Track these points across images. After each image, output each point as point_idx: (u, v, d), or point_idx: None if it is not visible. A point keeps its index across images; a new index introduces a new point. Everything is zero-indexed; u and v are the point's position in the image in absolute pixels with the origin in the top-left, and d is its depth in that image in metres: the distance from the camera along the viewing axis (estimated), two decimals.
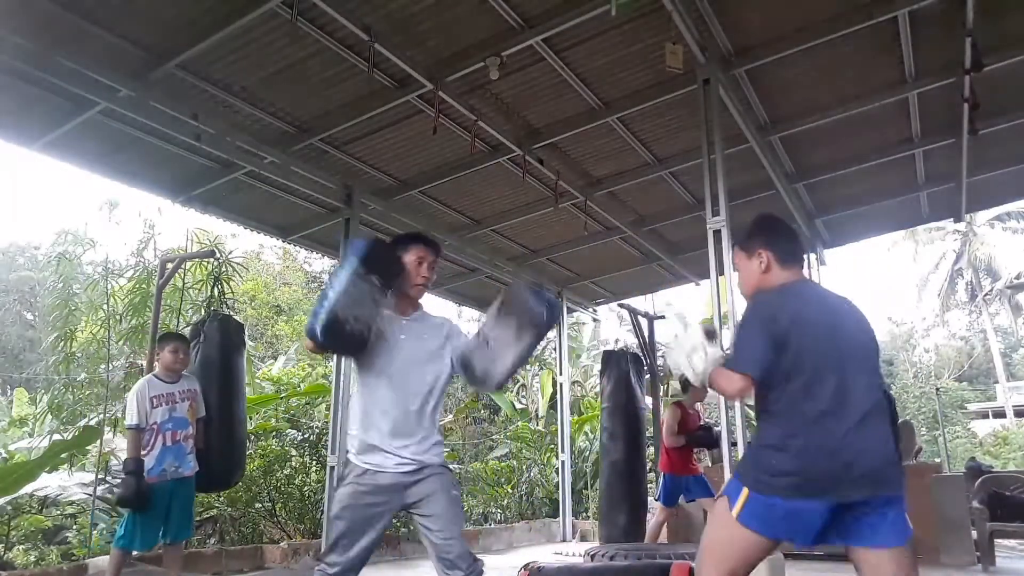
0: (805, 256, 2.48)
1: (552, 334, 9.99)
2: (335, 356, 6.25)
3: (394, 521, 8.60)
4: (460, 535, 2.75)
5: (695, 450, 6.64)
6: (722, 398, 4.34)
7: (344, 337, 2.60)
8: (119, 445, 7.30)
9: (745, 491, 2.22)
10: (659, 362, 9.19)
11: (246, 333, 6.13)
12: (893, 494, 2.20)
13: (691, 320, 2.52)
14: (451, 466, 11.99)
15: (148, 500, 4.45)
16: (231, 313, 6.20)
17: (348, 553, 2.68)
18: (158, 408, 4.61)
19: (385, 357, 2.78)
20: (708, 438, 6.45)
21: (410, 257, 2.92)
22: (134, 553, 5.26)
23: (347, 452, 2.83)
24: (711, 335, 2.42)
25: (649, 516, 7.09)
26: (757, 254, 2.47)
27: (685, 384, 6.68)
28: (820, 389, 2.20)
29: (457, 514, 2.80)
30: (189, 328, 5.97)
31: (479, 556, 2.84)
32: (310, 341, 2.61)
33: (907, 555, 2.21)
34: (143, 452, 4.52)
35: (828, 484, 2.15)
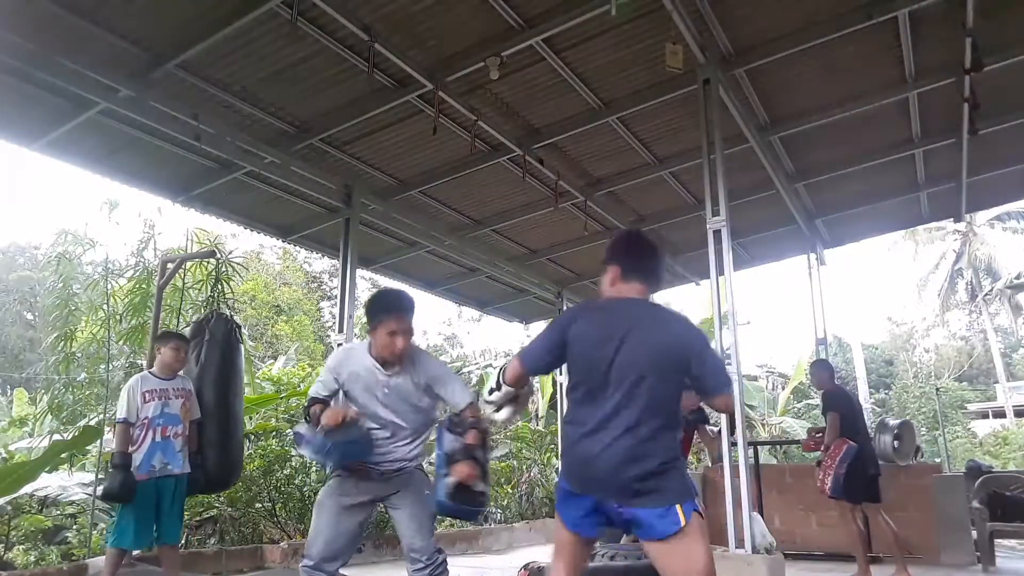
0: (653, 276, 2.58)
1: None
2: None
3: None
4: (426, 530, 3.08)
5: (690, 452, 6.67)
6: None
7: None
8: None
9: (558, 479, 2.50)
10: None
11: (246, 333, 6.12)
12: (625, 504, 2.30)
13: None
14: None
15: (134, 494, 4.39)
16: (231, 313, 6.18)
17: (330, 546, 2.97)
18: (150, 403, 4.58)
19: (371, 409, 3.07)
20: (703, 416, 6.50)
21: (384, 331, 3.05)
22: (134, 553, 5.26)
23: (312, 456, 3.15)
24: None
25: None
26: (608, 268, 2.58)
27: None
28: (582, 397, 2.40)
29: (423, 511, 3.09)
30: (189, 327, 5.96)
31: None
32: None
33: (672, 545, 2.30)
34: (133, 448, 4.49)
35: (575, 475, 2.39)
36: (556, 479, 2.56)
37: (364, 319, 3.39)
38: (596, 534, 2.44)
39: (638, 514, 2.29)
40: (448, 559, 3.19)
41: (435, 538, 3.14)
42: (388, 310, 3.10)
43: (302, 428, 3.06)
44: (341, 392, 3.17)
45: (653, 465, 2.29)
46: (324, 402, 3.11)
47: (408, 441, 3.17)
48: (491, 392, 2.66)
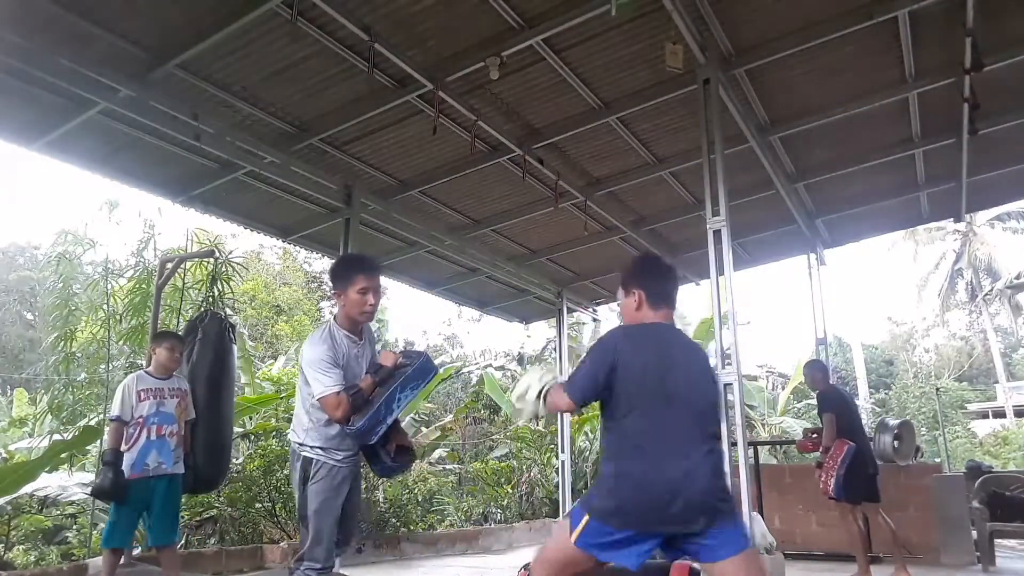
0: (675, 301, 2.69)
1: (552, 334, 10.01)
2: None
3: (394, 521, 8.62)
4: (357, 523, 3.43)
5: None
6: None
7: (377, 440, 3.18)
8: None
9: (586, 517, 2.36)
10: None
11: (246, 333, 6.12)
12: (714, 526, 2.30)
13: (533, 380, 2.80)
14: (451, 466, 11.92)
15: (125, 492, 4.39)
16: (229, 313, 6.18)
17: (331, 545, 3.03)
18: (145, 402, 4.59)
19: (348, 375, 3.17)
20: None
21: (355, 289, 3.20)
22: (134, 553, 5.27)
23: (307, 450, 3.14)
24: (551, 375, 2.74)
25: None
26: (632, 292, 2.64)
27: None
28: (643, 426, 2.36)
29: (359, 503, 3.47)
30: (183, 327, 5.96)
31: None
32: (354, 438, 3.16)
33: (749, 558, 2.34)
34: (126, 446, 4.50)
35: (645, 516, 2.29)
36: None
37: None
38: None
39: (724, 532, 2.29)
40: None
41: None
42: (357, 268, 3.27)
43: (362, 420, 3.08)
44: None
45: (726, 482, 2.45)
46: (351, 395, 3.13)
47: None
48: (520, 398, 2.74)
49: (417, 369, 3.22)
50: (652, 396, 2.38)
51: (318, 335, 3.23)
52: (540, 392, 2.63)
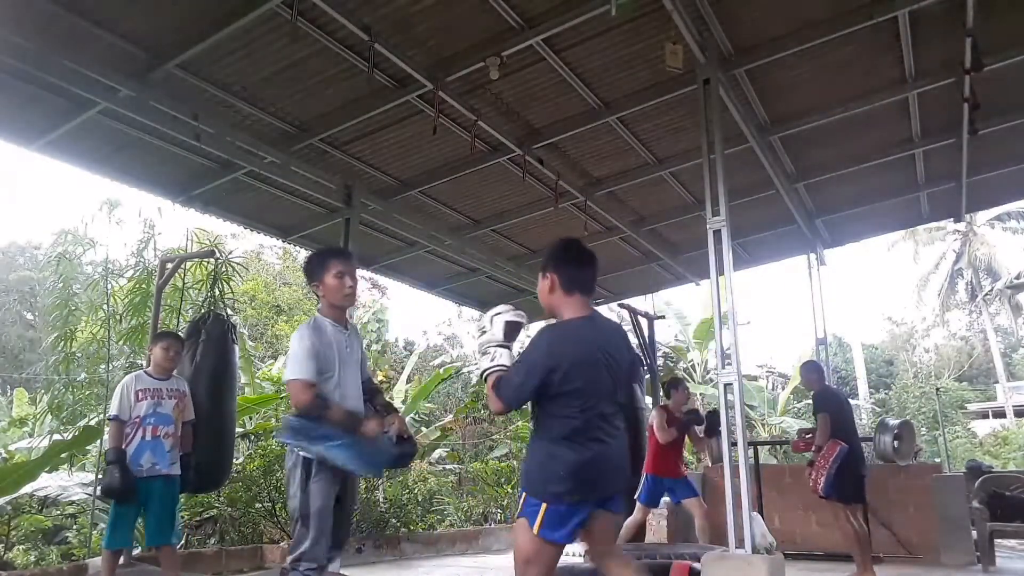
0: (593, 288, 2.83)
1: None
2: None
3: (394, 521, 8.62)
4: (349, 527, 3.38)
5: (683, 454, 6.76)
6: (719, 402, 4.59)
7: None
8: None
9: (544, 506, 2.52)
10: (659, 362, 9.20)
11: (246, 333, 6.13)
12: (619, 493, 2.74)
13: (500, 318, 2.80)
14: (451, 466, 11.89)
15: (134, 489, 4.39)
16: (230, 313, 6.18)
17: (330, 540, 3.01)
18: (143, 402, 4.58)
19: (335, 365, 3.16)
20: (697, 418, 6.70)
21: (330, 275, 3.23)
22: (134, 553, 5.27)
23: (298, 446, 3.05)
24: (511, 333, 2.73)
25: (649, 517, 7.12)
26: (546, 276, 2.77)
27: (669, 389, 6.87)
28: (585, 413, 2.56)
29: (353, 507, 3.36)
30: (185, 327, 5.96)
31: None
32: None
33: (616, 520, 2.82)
34: (123, 445, 4.50)
35: (591, 488, 2.57)
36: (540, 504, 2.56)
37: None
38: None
39: (619, 499, 2.71)
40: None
41: None
42: (328, 255, 3.35)
43: (305, 422, 3.03)
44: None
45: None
46: (322, 394, 3.09)
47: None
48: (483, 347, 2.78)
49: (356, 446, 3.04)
50: (597, 392, 2.59)
51: (303, 328, 3.23)
52: (483, 374, 2.69)
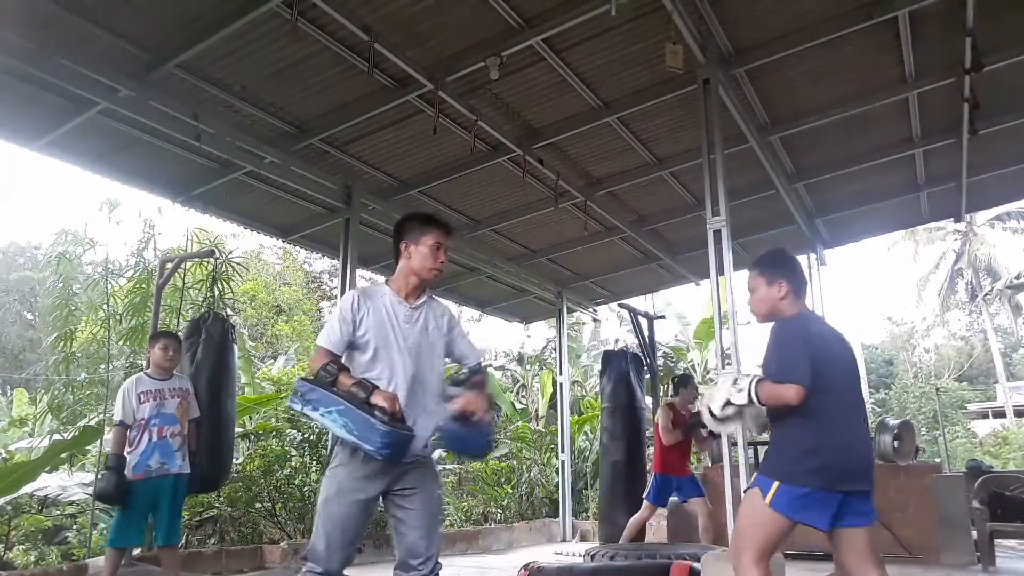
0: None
1: (552, 334, 10.03)
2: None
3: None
4: (435, 534, 2.68)
5: (691, 452, 6.71)
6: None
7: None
8: None
9: (776, 483, 2.62)
10: (659, 362, 9.20)
11: (246, 333, 6.13)
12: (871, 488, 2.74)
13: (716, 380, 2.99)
14: (451, 466, 11.82)
15: (127, 496, 4.39)
16: (230, 313, 6.18)
17: (346, 551, 2.59)
18: (146, 404, 4.58)
19: (392, 344, 2.68)
20: (702, 420, 6.56)
21: (428, 242, 2.78)
22: (134, 553, 5.26)
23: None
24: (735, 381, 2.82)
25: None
26: (778, 283, 2.87)
27: (678, 386, 6.81)
28: (842, 401, 2.70)
29: (437, 512, 2.75)
30: (185, 327, 5.96)
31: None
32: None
33: (873, 533, 2.76)
34: (129, 449, 4.49)
35: (847, 477, 2.63)
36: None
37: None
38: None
39: (871, 499, 2.69)
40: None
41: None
42: (435, 224, 2.84)
43: (312, 385, 2.56)
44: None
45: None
46: (339, 362, 2.62)
47: (432, 418, 2.70)
48: (725, 406, 2.77)
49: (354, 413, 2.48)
50: (844, 377, 2.76)
51: (349, 292, 2.85)
52: (751, 385, 2.70)
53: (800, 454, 2.63)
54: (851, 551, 2.67)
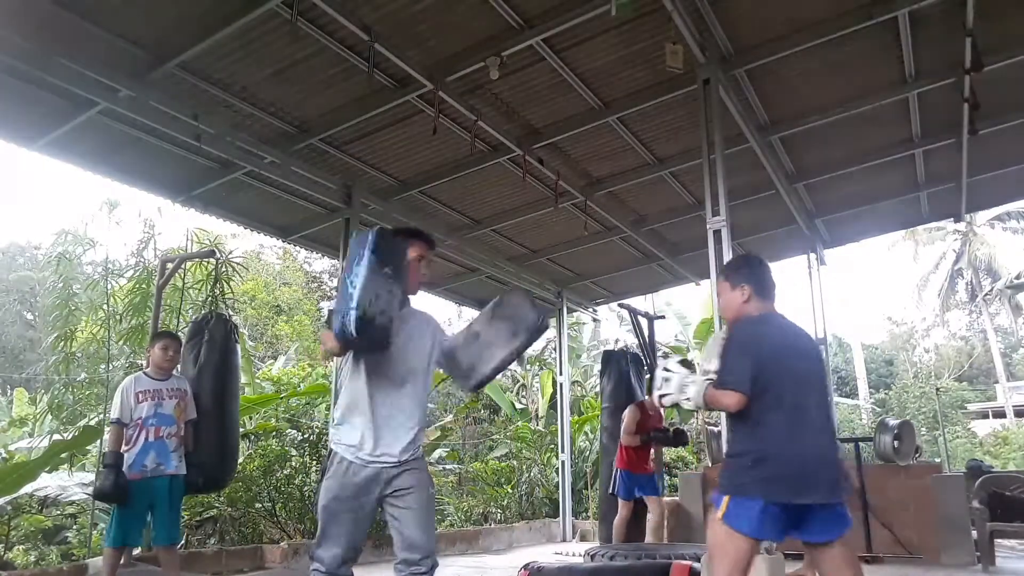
0: (775, 293, 2.95)
1: (552, 334, 10.07)
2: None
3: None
4: (431, 528, 2.78)
5: (651, 451, 6.88)
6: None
7: (375, 333, 2.51)
8: None
9: (726, 498, 2.57)
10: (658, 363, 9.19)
11: (246, 333, 6.13)
12: (838, 501, 2.60)
13: (671, 358, 2.98)
14: (451, 466, 11.80)
15: (126, 494, 4.38)
16: (230, 313, 6.18)
17: (350, 552, 2.68)
18: (143, 403, 4.57)
19: (381, 352, 2.70)
20: (665, 438, 6.81)
21: (412, 254, 2.82)
22: (134, 553, 5.26)
23: (332, 443, 2.76)
24: (689, 366, 2.87)
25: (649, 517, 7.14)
26: (741, 287, 2.85)
27: (650, 385, 6.85)
28: (793, 407, 2.60)
29: (431, 508, 2.84)
30: (188, 327, 5.96)
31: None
32: (339, 342, 2.53)
33: (846, 545, 2.66)
34: (126, 447, 4.49)
35: (799, 490, 2.52)
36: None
37: None
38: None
39: (837, 509, 2.58)
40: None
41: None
42: (414, 235, 2.92)
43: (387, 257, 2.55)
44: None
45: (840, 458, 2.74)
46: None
47: (415, 422, 2.77)
48: (674, 404, 2.84)
49: (353, 242, 2.59)
50: (797, 382, 2.66)
51: None
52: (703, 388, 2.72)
53: (747, 463, 2.56)
54: (826, 564, 2.64)
